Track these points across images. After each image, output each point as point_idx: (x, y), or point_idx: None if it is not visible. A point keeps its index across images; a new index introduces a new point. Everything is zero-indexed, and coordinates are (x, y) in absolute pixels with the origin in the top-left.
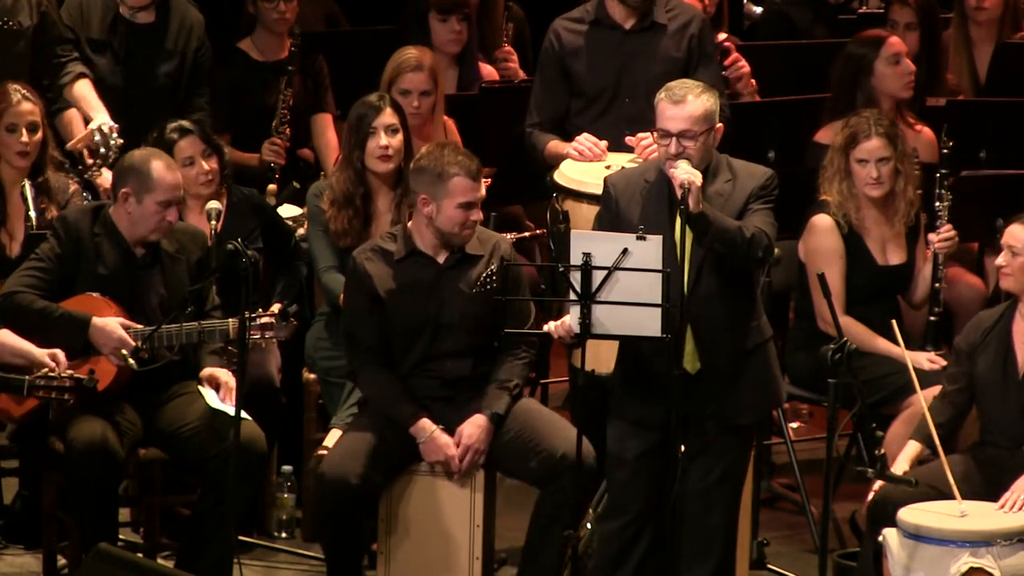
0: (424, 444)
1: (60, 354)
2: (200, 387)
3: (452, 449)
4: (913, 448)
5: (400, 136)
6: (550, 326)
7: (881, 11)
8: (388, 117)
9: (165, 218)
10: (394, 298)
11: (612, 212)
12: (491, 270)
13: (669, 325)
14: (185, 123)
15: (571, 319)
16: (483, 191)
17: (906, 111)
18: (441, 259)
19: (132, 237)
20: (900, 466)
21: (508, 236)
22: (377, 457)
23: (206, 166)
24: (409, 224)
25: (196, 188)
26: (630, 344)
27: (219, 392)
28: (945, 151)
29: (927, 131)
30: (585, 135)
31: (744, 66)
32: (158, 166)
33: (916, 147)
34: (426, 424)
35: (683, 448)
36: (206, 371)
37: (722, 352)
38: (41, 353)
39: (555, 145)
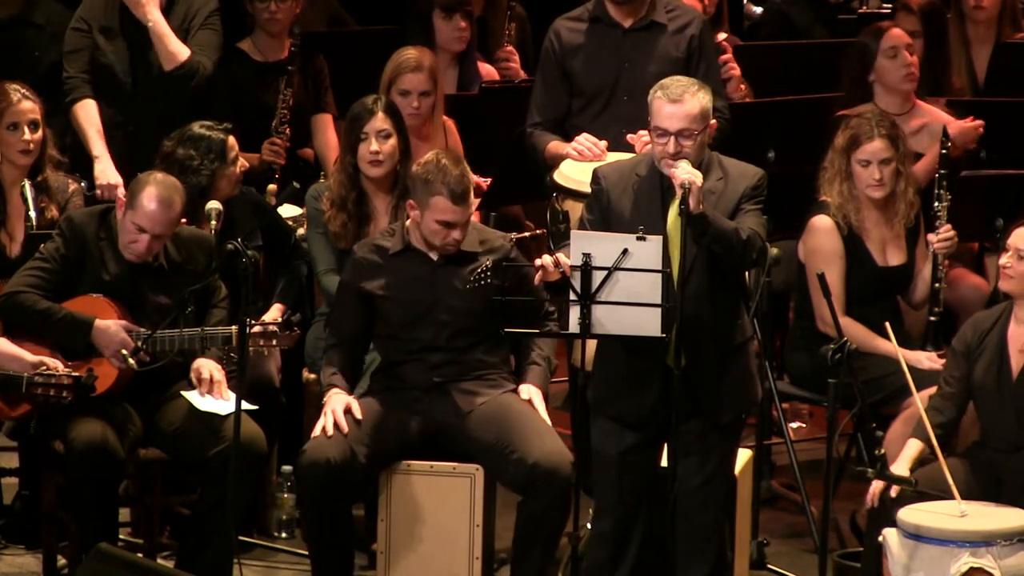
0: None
1: (49, 360)
2: (184, 392)
3: (339, 412)
4: (914, 447)
5: (392, 141)
6: (545, 259)
7: (880, 11)
8: (379, 122)
9: (137, 241)
10: (389, 292)
11: (603, 204)
12: (485, 266)
13: (669, 324)
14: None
15: (570, 255)
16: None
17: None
18: (435, 256)
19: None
20: (901, 466)
21: (511, 235)
22: (364, 442)
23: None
24: (407, 222)
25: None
26: (609, 342)
27: (200, 388)
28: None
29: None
30: (585, 135)
31: (735, 68)
32: (148, 193)
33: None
34: (336, 392)
35: (667, 446)
36: (196, 362)
37: (708, 349)
38: (33, 358)
39: (555, 145)
